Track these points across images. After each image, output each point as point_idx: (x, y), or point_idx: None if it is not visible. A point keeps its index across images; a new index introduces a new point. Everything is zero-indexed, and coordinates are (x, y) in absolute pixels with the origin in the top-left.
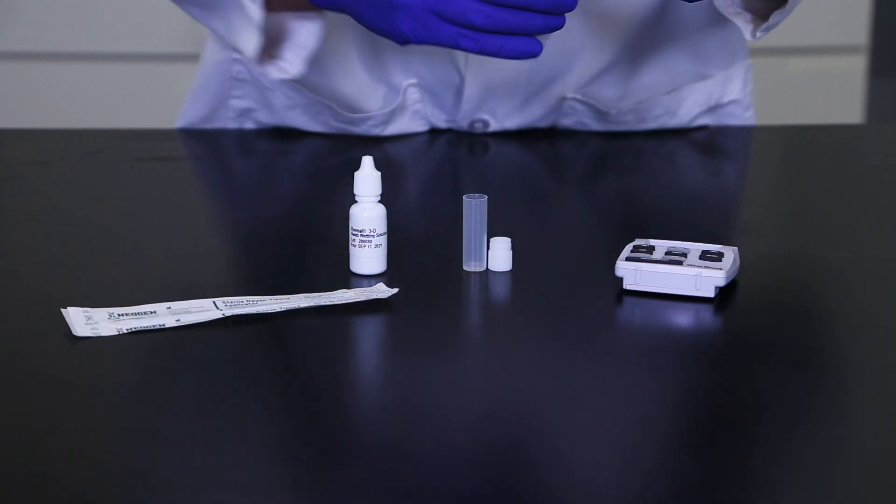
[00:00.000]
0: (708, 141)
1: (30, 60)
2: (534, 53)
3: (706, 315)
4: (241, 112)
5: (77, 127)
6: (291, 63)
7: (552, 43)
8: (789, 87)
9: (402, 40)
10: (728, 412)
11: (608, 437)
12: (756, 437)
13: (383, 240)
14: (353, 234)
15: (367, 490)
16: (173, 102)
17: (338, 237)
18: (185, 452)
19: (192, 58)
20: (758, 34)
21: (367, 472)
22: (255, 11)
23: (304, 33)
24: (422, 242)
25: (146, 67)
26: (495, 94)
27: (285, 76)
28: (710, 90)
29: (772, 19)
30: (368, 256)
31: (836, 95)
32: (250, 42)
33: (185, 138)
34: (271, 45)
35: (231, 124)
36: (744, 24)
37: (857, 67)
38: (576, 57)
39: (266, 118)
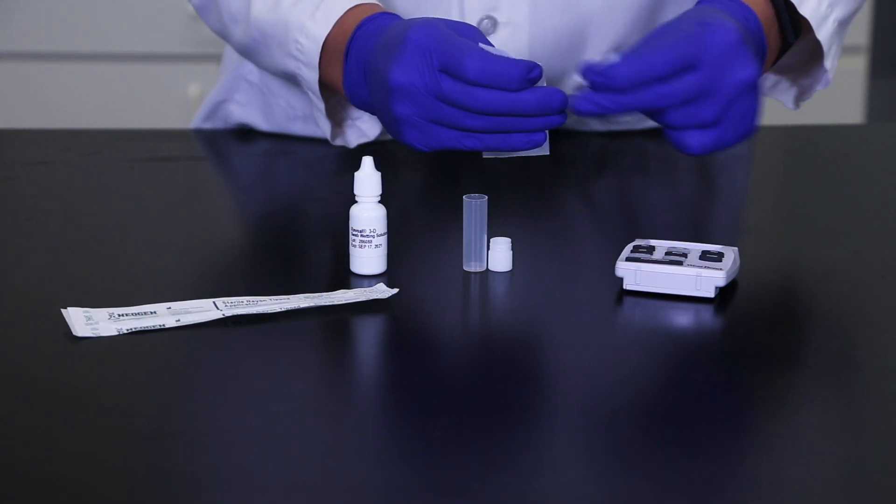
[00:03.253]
0: None
1: (30, 60)
2: (538, 143)
3: (706, 315)
4: (237, 126)
5: (77, 127)
6: (346, 140)
7: (552, 44)
8: None
9: (416, 150)
10: (728, 412)
11: (608, 437)
12: (756, 437)
13: (383, 240)
14: (353, 235)
15: (366, 490)
16: (173, 102)
17: (338, 237)
18: (185, 452)
19: (193, 58)
20: (801, 104)
21: (366, 471)
22: (320, 103)
23: (367, 123)
24: (422, 242)
25: (146, 67)
26: None
27: (365, 140)
28: None
29: (818, 86)
30: (368, 256)
31: (836, 95)
32: (324, 125)
33: (184, 138)
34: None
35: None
36: (784, 94)
37: (857, 67)
38: (575, 57)
39: (264, 128)
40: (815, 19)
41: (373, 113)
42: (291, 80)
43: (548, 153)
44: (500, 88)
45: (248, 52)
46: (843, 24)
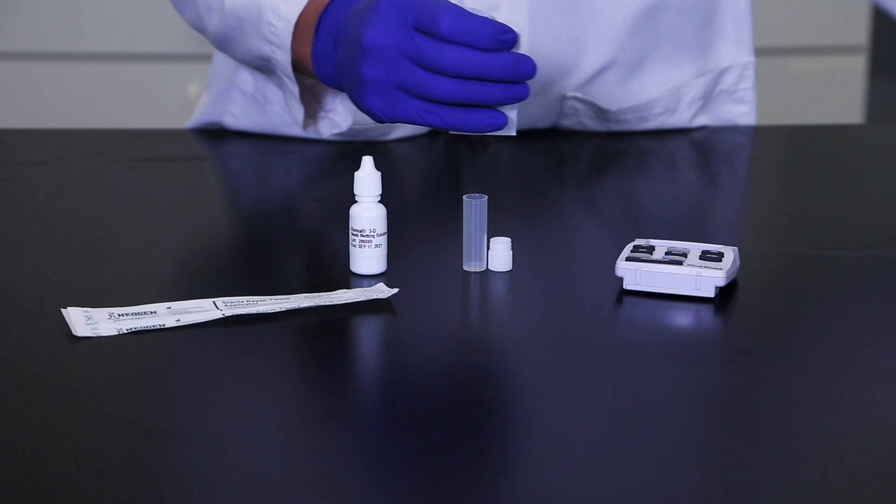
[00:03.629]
0: (708, 141)
1: (30, 60)
2: (499, 125)
3: (706, 315)
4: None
5: (77, 127)
6: (318, 132)
7: (552, 44)
8: (790, 87)
9: (375, 118)
10: (728, 412)
11: (608, 437)
12: (756, 437)
13: (383, 240)
14: (353, 234)
15: (366, 490)
16: (173, 102)
17: (338, 237)
18: (185, 452)
19: (193, 58)
20: None
21: (366, 471)
22: (294, 87)
23: (340, 114)
24: (422, 242)
25: (146, 67)
26: None
27: (337, 130)
28: (707, 83)
29: None
30: (368, 256)
31: (836, 95)
32: (297, 111)
33: (185, 138)
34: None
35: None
36: None
37: (857, 67)
38: (575, 58)
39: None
40: None
41: (338, 86)
42: (267, 66)
43: (514, 133)
44: (471, 46)
45: (224, 41)
46: None
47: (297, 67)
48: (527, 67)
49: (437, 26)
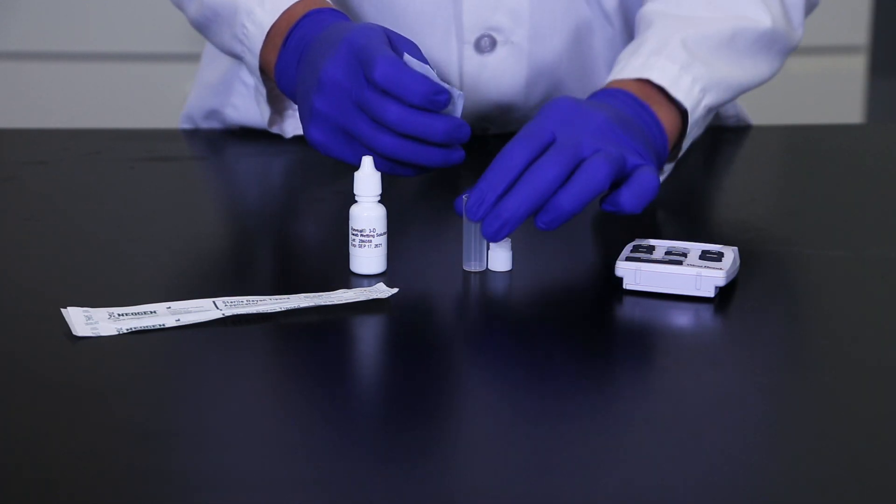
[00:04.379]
0: (708, 141)
1: (30, 60)
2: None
3: (706, 315)
4: (232, 123)
5: (77, 127)
6: (284, 131)
7: (550, 65)
8: (789, 87)
9: (314, 148)
10: (728, 412)
11: (608, 436)
12: (756, 437)
13: (383, 240)
14: (353, 234)
15: (367, 490)
16: (173, 102)
17: (338, 237)
18: (185, 452)
19: (193, 58)
20: (678, 155)
21: (366, 471)
22: (263, 87)
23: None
24: (421, 242)
25: (146, 67)
26: (491, 112)
27: (300, 133)
28: None
29: (666, 169)
30: (368, 256)
31: (836, 95)
32: (264, 109)
33: (185, 138)
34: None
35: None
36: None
37: (857, 67)
38: (575, 79)
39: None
40: (689, 102)
41: (293, 98)
42: (238, 60)
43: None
44: (400, 100)
45: (200, 28)
46: (710, 112)
47: (263, 71)
48: (464, 133)
49: (371, 73)
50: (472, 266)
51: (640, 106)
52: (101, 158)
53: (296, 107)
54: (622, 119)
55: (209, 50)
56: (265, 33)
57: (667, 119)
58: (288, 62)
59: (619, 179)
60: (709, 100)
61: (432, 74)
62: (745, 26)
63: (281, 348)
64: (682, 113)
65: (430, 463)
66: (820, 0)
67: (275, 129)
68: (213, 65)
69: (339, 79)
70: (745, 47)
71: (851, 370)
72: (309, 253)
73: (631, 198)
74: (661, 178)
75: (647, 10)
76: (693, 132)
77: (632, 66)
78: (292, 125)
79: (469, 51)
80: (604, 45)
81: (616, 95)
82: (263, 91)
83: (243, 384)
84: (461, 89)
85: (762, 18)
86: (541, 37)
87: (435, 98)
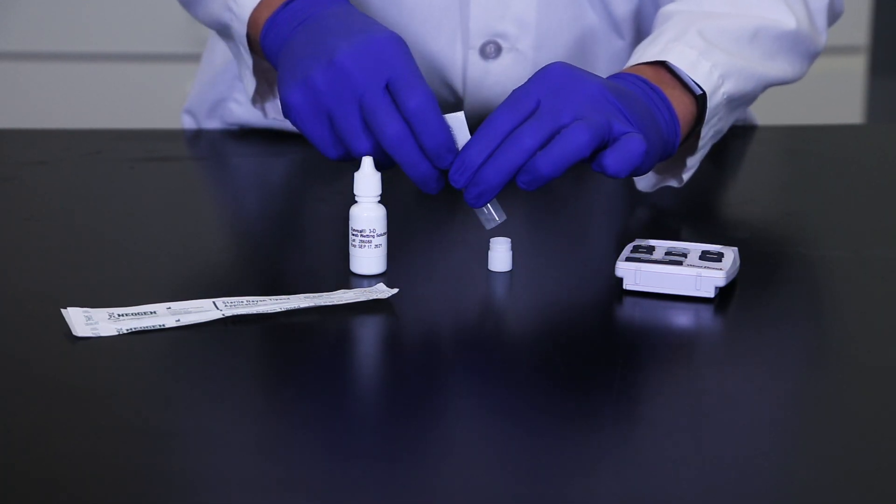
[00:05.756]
0: None
1: (30, 60)
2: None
3: (706, 315)
4: (235, 123)
5: (77, 127)
6: (269, 113)
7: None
8: (789, 87)
9: (284, 112)
10: (727, 412)
11: (608, 436)
12: (756, 438)
13: (383, 240)
14: (353, 235)
15: (366, 490)
16: (173, 102)
17: (338, 237)
18: (185, 452)
19: (193, 58)
20: (684, 178)
21: (366, 472)
22: (249, 58)
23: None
24: (422, 242)
25: (146, 67)
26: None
27: (281, 117)
28: None
29: (689, 163)
30: (368, 256)
31: (836, 95)
32: (248, 82)
33: (185, 138)
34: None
35: (227, 126)
36: (674, 180)
37: (857, 67)
38: (574, 78)
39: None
40: (707, 86)
41: (274, 60)
42: (226, 31)
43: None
44: (416, 136)
45: (188, 1)
46: (732, 101)
47: (249, 42)
48: (434, 188)
49: (409, 97)
50: (490, 224)
51: (651, 88)
52: (101, 158)
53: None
54: (621, 92)
55: (210, 47)
56: (256, 1)
57: (679, 103)
58: (285, 21)
59: (604, 146)
60: (728, 86)
61: (462, 124)
62: (769, 25)
63: (281, 348)
64: (699, 100)
65: (430, 463)
66: (843, 9)
67: (257, 108)
68: (215, 61)
69: (353, 69)
70: (768, 44)
71: (851, 370)
72: (309, 253)
73: (615, 160)
74: (687, 175)
75: (667, 8)
76: (713, 121)
77: (649, 53)
78: (273, 108)
79: (474, 56)
80: (608, 57)
81: (626, 78)
82: (249, 63)
83: (243, 384)
84: (464, 95)
85: (787, 20)
86: (546, 45)
87: (443, 154)
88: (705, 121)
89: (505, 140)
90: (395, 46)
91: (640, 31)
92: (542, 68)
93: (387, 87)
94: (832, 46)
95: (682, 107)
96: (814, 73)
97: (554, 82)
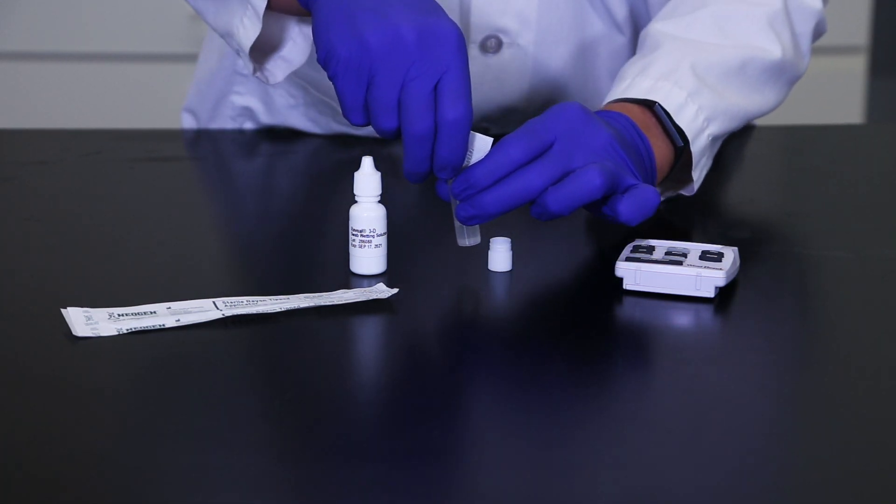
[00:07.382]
0: None
1: (30, 60)
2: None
3: (706, 315)
4: (241, 111)
5: (77, 127)
6: (272, 74)
7: (556, 70)
8: None
9: (317, 54)
10: (728, 412)
11: (608, 436)
12: (756, 438)
13: (383, 240)
14: (353, 235)
15: (366, 490)
16: (173, 102)
17: (338, 237)
18: (185, 452)
19: (193, 58)
20: (695, 187)
21: (366, 472)
22: (258, 22)
23: (292, 48)
24: (422, 242)
25: (146, 67)
26: (493, 113)
27: (265, 82)
28: None
29: (682, 190)
30: (368, 256)
31: (836, 95)
32: (249, 31)
33: (185, 138)
34: (260, 50)
35: (230, 124)
36: (685, 189)
37: (857, 67)
38: (580, 84)
39: (266, 119)
40: (691, 131)
41: (307, 4)
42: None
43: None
44: (438, 143)
45: None
46: (716, 140)
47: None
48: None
49: (449, 103)
50: (464, 242)
51: (639, 136)
52: (101, 158)
53: (281, 53)
54: (623, 141)
55: (207, 43)
56: None
57: (660, 154)
58: None
59: (612, 194)
60: (713, 128)
61: (485, 149)
62: (755, 56)
63: (281, 348)
64: (677, 147)
65: (430, 463)
66: (826, 29)
67: (258, 76)
68: (211, 58)
69: (415, 49)
70: (755, 77)
71: (852, 370)
72: (309, 253)
73: (630, 207)
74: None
75: (655, 30)
76: (703, 161)
77: (639, 87)
78: (280, 66)
79: (474, 50)
80: (609, 56)
81: (618, 119)
82: (260, 8)
83: (243, 384)
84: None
85: (772, 49)
86: (547, 43)
87: (448, 169)
88: (693, 165)
89: (513, 172)
90: (460, 41)
91: (637, 29)
92: (560, 105)
93: (437, 82)
94: (832, 46)
95: (661, 158)
96: (814, 73)
97: (571, 124)
